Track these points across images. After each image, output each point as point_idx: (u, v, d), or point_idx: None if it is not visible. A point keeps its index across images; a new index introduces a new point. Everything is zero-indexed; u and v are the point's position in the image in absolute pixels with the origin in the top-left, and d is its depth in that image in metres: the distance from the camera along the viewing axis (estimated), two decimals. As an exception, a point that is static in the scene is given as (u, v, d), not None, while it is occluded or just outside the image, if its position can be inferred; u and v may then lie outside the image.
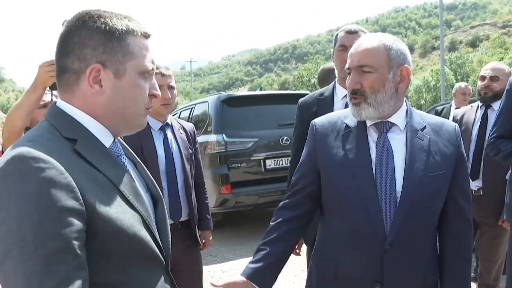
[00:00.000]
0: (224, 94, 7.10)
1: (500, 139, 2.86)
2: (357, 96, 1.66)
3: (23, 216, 0.95)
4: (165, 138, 2.81)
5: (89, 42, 1.15)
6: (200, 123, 6.95)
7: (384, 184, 1.63)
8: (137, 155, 2.69)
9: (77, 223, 0.99)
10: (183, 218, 2.82)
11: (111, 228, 1.06)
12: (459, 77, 49.99)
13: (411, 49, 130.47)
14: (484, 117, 3.52)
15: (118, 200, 1.12)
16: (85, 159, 1.10)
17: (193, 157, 2.98)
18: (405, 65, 1.68)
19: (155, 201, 1.37)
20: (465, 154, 1.77)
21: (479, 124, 3.52)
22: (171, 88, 2.78)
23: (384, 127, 1.71)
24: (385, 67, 1.64)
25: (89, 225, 1.03)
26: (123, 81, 1.18)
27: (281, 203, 1.91)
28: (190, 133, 3.02)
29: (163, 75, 2.74)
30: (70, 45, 1.15)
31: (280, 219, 1.82)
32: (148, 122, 2.77)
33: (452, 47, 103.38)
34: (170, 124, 2.89)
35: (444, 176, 1.67)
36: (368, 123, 1.72)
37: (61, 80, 1.19)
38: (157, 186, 1.40)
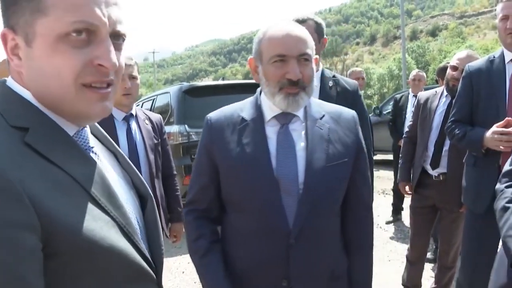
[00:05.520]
0: (186, 84, 7.01)
1: (456, 123, 2.94)
2: (296, 86, 1.57)
3: None
4: (129, 129, 2.79)
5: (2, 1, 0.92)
6: (162, 114, 6.81)
7: (286, 177, 1.57)
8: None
9: (27, 242, 0.76)
10: None
11: (78, 242, 0.83)
12: (420, 66, 50.94)
13: (374, 38, 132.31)
14: (449, 107, 3.43)
15: (86, 205, 0.88)
16: (40, 154, 0.85)
17: (160, 148, 2.97)
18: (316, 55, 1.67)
19: (144, 200, 1.16)
20: (363, 141, 1.74)
21: (443, 114, 3.54)
22: (132, 78, 2.76)
23: (286, 118, 1.65)
24: (313, 55, 1.63)
25: (47, 242, 0.79)
26: (35, 49, 0.89)
27: (188, 207, 1.77)
28: (156, 123, 3.01)
29: None
30: None
31: (200, 234, 1.71)
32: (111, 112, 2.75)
33: (413, 36, 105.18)
34: (134, 114, 2.87)
35: (345, 165, 1.64)
36: (269, 115, 1.66)
37: None
38: (145, 182, 1.19)
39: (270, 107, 1.66)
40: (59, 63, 0.88)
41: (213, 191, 1.70)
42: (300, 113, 1.66)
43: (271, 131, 1.64)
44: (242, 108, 1.72)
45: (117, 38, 0.96)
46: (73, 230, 0.82)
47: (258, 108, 1.68)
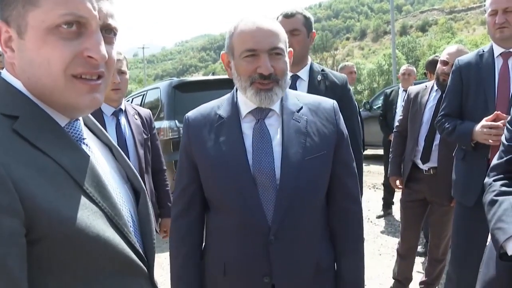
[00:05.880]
0: (176, 79, 6.98)
1: (446, 117, 2.95)
2: (269, 81, 1.54)
3: None
4: (118, 124, 2.78)
5: None
6: (152, 109, 6.78)
7: (263, 173, 1.55)
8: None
9: (7, 226, 0.76)
10: None
11: (62, 229, 0.82)
12: (410, 61, 51.15)
13: (364, 34, 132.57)
14: (440, 102, 3.44)
15: (73, 193, 0.88)
16: (28, 141, 0.87)
17: (149, 143, 2.97)
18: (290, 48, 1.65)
19: (137, 194, 1.16)
20: (345, 130, 1.71)
21: (433, 108, 3.55)
22: (121, 73, 2.75)
23: (262, 113, 1.62)
24: (286, 49, 1.60)
25: (30, 228, 0.79)
26: (27, 40, 0.90)
27: (174, 208, 1.76)
28: (145, 118, 3.00)
29: None
30: None
31: (183, 236, 1.71)
32: (100, 107, 2.74)
33: (403, 32, 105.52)
34: (124, 109, 2.86)
35: (324, 157, 1.61)
36: (245, 111, 1.64)
37: None
38: (138, 176, 1.19)
39: (246, 103, 1.64)
40: (49, 54, 0.89)
41: (196, 191, 1.69)
42: (276, 107, 1.63)
43: (247, 127, 1.62)
44: (219, 105, 1.70)
45: (108, 31, 0.98)
46: (58, 217, 0.83)
47: (234, 104, 1.66)
